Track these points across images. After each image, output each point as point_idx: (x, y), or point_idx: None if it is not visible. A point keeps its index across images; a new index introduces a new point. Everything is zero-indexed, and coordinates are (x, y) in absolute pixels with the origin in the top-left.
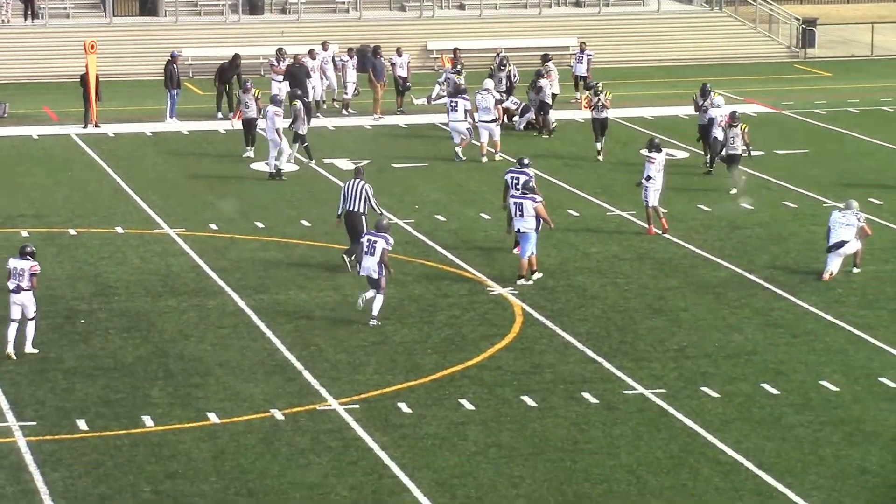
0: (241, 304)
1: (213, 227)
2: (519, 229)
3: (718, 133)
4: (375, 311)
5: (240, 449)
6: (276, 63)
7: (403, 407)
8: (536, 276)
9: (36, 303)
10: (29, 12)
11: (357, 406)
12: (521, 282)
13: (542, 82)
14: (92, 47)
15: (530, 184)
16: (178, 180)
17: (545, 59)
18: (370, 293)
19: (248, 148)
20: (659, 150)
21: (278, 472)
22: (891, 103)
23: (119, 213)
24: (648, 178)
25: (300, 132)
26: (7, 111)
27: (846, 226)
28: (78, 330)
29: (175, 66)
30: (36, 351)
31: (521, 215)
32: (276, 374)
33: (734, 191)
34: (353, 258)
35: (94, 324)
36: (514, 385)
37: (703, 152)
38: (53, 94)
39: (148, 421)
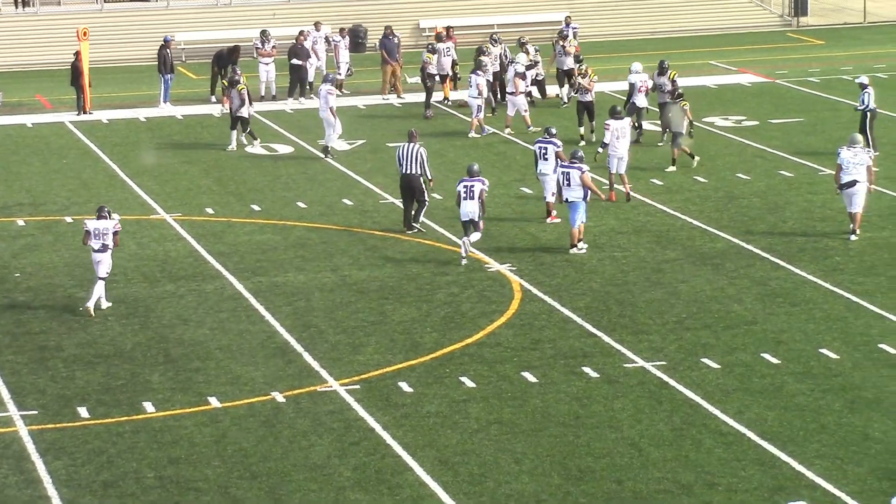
0: (240, 287)
1: (210, 210)
2: (567, 199)
3: (639, 100)
4: (473, 240)
5: (242, 432)
6: (260, 45)
7: (404, 386)
8: (582, 245)
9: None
10: (20, 0)
11: (358, 386)
12: (574, 250)
13: (484, 59)
14: (84, 34)
15: (579, 153)
16: (173, 165)
17: (562, 35)
18: (473, 237)
19: (233, 140)
20: (618, 118)
21: (281, 455)
22: (884, 70)
23: (115, 200)
24: (604, 144)
25: (245, 116)
26: (1, 100)
27: (858, 165)
28: (77, 318)
29: (168, 50)
30: (110, 304)
31: (569, 185)
32: (276, 356)
33: (671, 168)
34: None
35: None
36: (515, 361)
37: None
38: (46, 82)
39: (149, 407)
